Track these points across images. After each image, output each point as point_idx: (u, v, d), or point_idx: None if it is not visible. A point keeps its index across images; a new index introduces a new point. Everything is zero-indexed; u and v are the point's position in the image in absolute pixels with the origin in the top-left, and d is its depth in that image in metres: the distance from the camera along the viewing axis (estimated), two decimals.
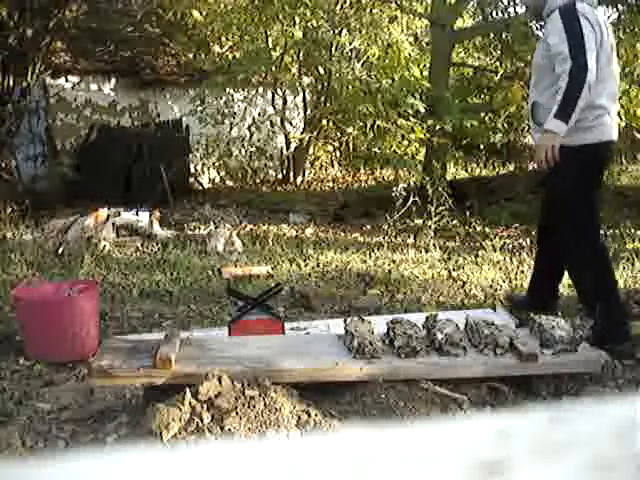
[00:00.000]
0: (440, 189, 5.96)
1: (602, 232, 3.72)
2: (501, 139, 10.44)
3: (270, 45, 9.14)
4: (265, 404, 2.16)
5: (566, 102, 2.92)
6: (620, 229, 5.77)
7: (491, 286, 4.25)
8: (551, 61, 3.05)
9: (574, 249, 3.17)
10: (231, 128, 9.73)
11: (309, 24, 8.66)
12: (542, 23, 3.16)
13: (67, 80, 8.70)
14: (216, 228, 6.09)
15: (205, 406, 2.14)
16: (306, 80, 9.82)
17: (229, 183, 10.21)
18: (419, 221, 5.96)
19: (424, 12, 8.95)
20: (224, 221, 6.56)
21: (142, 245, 5.60)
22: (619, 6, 7.34)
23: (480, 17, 8.83)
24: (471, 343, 2.64)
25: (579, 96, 2.91)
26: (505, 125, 8.93)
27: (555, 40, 3.01)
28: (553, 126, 2.96)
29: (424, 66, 9.00)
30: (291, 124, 10.26)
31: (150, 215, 6.02)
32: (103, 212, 5.82)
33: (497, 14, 8.03)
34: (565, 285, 4.22)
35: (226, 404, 2.14)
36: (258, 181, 10.39)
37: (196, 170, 9.72)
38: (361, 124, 9.29)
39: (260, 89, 9.97)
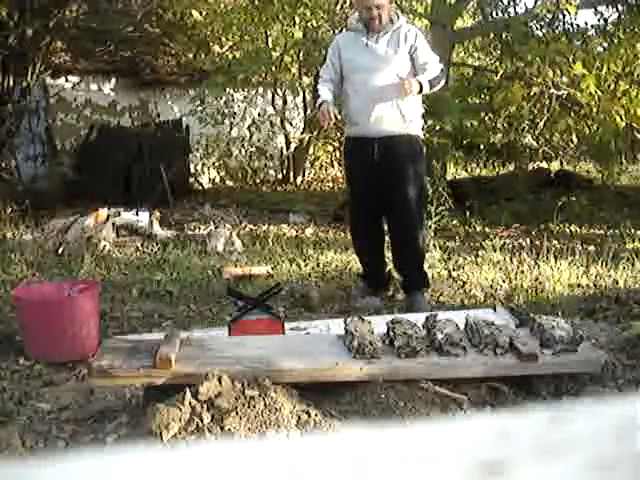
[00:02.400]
0: (440, 189, 5.95)
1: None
2: (501, 139, 10.43)
3: (270, 45, 9.13)
4: (265, 404, 2.16)
5: (433, 83, 3.70)
6: (620, 229, 5.77)
7: (491, 286, 4.25)
8: (412, 64, 3.71)
9: (419, 229, 3.90)
10: (231, 128, 9.73)
11: (309, 24, 8.66)
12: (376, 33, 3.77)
13: (67, 80, 8.69)
14: (216, 228, 6.09)
15: (205, 406, 2.14)
16: (306, 80, 9.81)
17: (229, 183, 10.20)
18: None
19: (424, 12, 8.94)
20: (224, 221, 6.55)
21: (142, 245, 5.60)
22: (619, 6, 7.33)
23: (480, 17, 8.82)
24: (471, 343, 2.64)
25: (436, 88, 3.75)
26: (505, 125, 8.92)
27: (425, 47, 3.75)
28: (425, 84, 3.66)
29: None
30: (291, 124, 10.26)
31: (150, 215, 6.02)
32: (103, 212, 5.82)
33: (497, 14, 8.02)
34: (565, 285, 4.22)
35: (226, 404, 2.14)
36: (258, 181, 10.39)
37: (196, 170, 9.72)
38: None
39: (260, 89, 9.97)
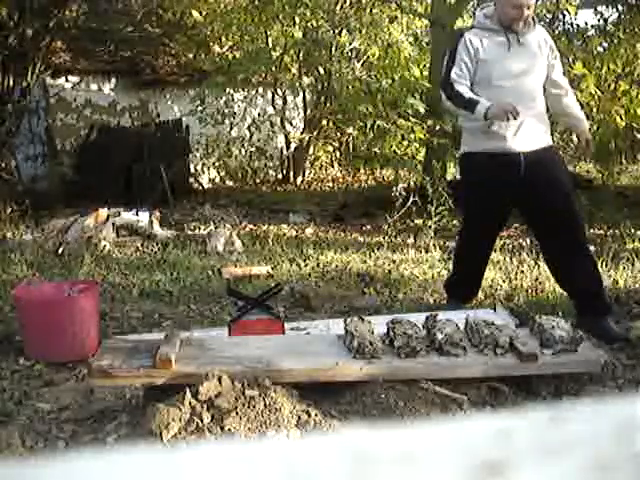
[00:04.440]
0: (440, 189, 5.95)
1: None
2: None
3: (270, 45, 9.14)
4: (265, 404, 2.16)
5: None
6: (620, 229, 5.77)
7: (491, 286, 4.24)
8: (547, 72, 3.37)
9: (587, 244, 3.52)
10: (231, 128, 9.74)
11: (309, 24, 8.67)
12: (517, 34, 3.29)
13: (67, 80, 8.70)
14: (216, 228, 6.09)
15: (205, 406, 2.14)
16: (306, 80, 9.82)
17: (229, 183, 10.21)
18: (419, 221, 5.96)
19: (424, 12, 8.95)
20: (224, 221, 6.56)
21: (142, 245, 5.60)
22: (619, 6, 7.34)
23: None
24: (471, 343, 2.64)
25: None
26: None
27: (559, 56, 3.47)
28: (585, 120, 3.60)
29: (424, 66, 9.00)
30: (291, 124, 10.27)
31: (150, 215, 6.03)
32: (103, 212, 5.82)
33: None
34: None
35: (226, 404, 2.14)
36: (258, 181, 10.39)
37: (196, 170, 9.72)
38: (361, 124, 9.29)
39: (260, 89, 9.97)
